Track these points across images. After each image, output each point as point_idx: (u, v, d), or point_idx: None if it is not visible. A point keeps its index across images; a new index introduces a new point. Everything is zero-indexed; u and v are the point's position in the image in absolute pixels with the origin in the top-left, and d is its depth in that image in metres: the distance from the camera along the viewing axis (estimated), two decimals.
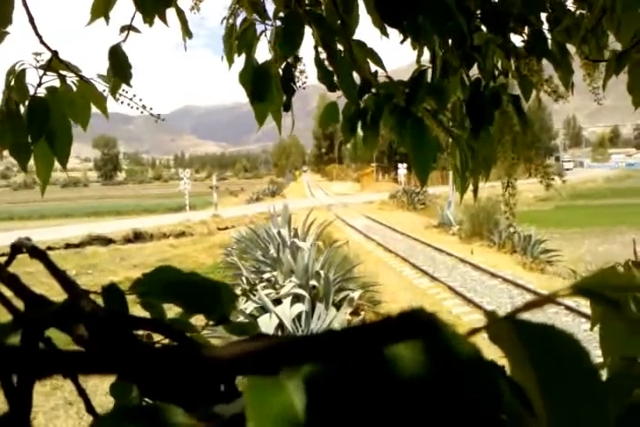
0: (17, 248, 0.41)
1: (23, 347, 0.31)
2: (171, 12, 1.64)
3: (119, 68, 1.52)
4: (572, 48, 1.69)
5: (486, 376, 0.19)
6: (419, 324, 0.20)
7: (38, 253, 0.36)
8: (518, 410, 0.20)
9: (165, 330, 0.33)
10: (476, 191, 1.65)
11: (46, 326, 0.34)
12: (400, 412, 0.19)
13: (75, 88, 1.44)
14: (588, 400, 0.22)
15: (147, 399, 0.32)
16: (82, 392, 0.34)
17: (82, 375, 0.28)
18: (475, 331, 0.25)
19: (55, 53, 1.38)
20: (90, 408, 0.35)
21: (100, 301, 0.41)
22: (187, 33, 1.68)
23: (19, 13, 1.40)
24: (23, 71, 1.36)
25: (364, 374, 0.19)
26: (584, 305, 8.96)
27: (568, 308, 9.33)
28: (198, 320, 0.51)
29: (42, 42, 1.38)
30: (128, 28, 1.55)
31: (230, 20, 1.68)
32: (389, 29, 1.49)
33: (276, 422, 0.19)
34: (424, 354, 0.19)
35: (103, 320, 0.34)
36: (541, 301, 0.27)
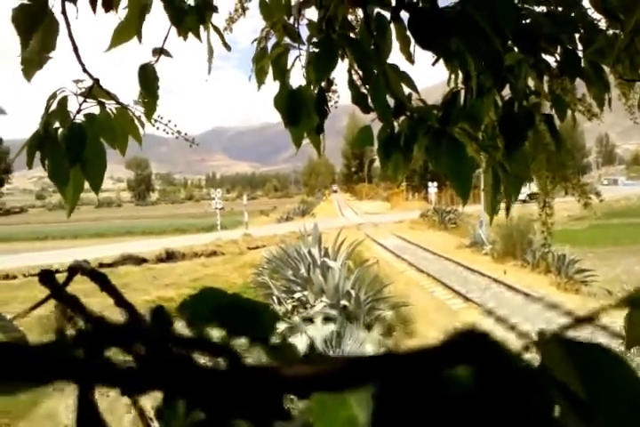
0: (74, 270, 0.42)
1: (87, 362, 0.32)
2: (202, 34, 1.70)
3: (147, 85, 1.56)
4: (606, 68, 1.67)
5: (544, 393, 0.19)
6: (475, 343, 0.21)
7: (98, 276, 0.37)
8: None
9: (219, 351, 0.34)
10: (508, 210, 1.64)
11: (107, 346, 0.35)
12: None
13: (112, 115, 1.48)
14: (637, 421, 0.23)
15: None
16: (141, 413, 0.35)
17: (141, 394, 0.29)
18: (524, 349, 0.26)
19: (97, 81, 1.43)
20: None
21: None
22: (226, 46, 1.74)
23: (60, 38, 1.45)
24: (65, 98, 1.41)
25: (425, 392, 0.19)
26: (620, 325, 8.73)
27: (604, 327, 9.11)
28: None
29: (85, 70, 1.43)
30: (160, 50, 1.60)
31: (262, 43, 1.73)
32: (416, 50, 1.51)
33: None
34: (482, 373, 0.19)
35: (159, 340, 0.35)
36: (587, 318, 0.28)
